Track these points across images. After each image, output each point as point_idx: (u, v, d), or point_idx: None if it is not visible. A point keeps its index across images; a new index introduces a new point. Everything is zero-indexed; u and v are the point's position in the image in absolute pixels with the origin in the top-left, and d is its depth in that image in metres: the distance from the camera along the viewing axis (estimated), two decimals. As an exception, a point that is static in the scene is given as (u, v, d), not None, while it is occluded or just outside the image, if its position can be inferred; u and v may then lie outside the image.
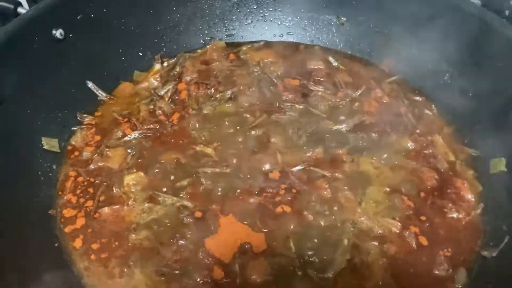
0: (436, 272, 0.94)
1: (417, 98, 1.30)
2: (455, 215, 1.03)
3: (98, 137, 1.17)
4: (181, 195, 1.04)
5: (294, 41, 1.48)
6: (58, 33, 1.15)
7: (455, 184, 1.09)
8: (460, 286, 0.93)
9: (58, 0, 1.16)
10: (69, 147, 1.15)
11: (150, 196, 1.04)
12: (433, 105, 1.28)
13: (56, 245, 0.96)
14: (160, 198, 1.03)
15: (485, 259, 0.96)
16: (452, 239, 1.00)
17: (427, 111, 1.26)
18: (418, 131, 1.21)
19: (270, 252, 0.95)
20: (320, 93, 1.28)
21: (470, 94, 1.20)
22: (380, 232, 1.00)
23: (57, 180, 1.08)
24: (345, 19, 1.43)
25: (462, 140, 1.19)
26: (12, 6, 1.16)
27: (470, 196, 1.07)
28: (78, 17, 1.20)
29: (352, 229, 1.00)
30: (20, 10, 1.17)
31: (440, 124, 1.23)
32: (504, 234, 0.97)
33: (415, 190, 1.07)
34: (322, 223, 1.00)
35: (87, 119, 1.21)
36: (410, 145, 1.17)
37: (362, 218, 1.01)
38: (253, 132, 1.18)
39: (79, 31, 1.19)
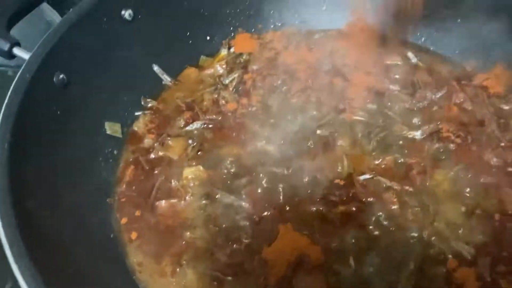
0: (512, 311, 0.86)
1: (505, 106, 1.17)
2: (538, 246, 0.93)
3: (160, 124, 1.15)
4: (239, 194, 1.00)
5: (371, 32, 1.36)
6: (127, 13, 1.12)
7: (541, 210, 0.98)
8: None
9: (130, -20, 1.13)
10: (131, 133, 1.13)
11: (207, 192, 1.01)
12: (522, 115, 1.15)
13: (111, 236, 0.96)
14: (217, 196, 1.00)
15: None
16: (532, 274, 0.90)
17: (514, 123, 1.14)
18: (502, 144, 1.09)
19: (328, 267, 0.90)
20: (395, 93, 1.18)
21: None
22: (450, 256, 0.91)
23: (117, 167, 1.07)
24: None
25: (554, 159, 1.06)
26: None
27: (557, 225, 0.96)
28: (148, -2, 1.17)
29: (420, 250, 0.92)
30: (92, -11, 1.15)
31: (530, 138, 1.11)
32: None
33: (494, 213, 0.97)
34: (387, 240, 0.93)
35: (151, 103, 1.19)
36: (492, 160, 1.05)
37: (432, 239, 0.93)
38: (318, 132, 1.11)
39: (148, 13, 1.16)
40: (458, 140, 1.09)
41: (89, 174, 1.01)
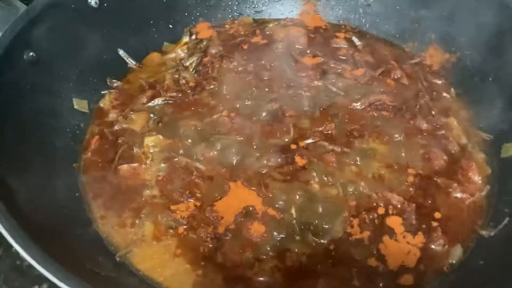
0: (432, 246, 0.97)
1: (437, 81, 1.30)
2: (459, 195, 1.05)
3: (124, 101, 1.25)
4: (195, 158, 1.11)
5: (321, 19, 1.49)
6: (93, 1, 1.22)
7: (463, 166, 1.10)
8: (454, 261, 0.95)
9: (95, -31, 1.24)
10: (97, 109, 1.23)
11: (166, 157, 1.11)
12: (452, 88, 1.27)
13: (77, 194, 1.05)
14: (175, 159, 1.10)
15: (482, 238, 0.98)
16: (453, 217, 1.02)
17: (445, 94, 1.26)
18: (433, 112, 1.21)
19: (272, 216, 1.00)
20: (339, 71, 1.31)
21: (490, 79, 1.19)
22: (381, 205, 1.03)
23: (83, 137, 1.17)
24: (372, 0, 1.44)
25: (477, 124, 1.19)
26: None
27: (477, 178, 1.08)
28: (114, -14, 1.28)
29: (354, 201, 1.03)
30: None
31: (457, 107, 1.23)
32: (505, 216, 0.98)
33: (422, 169, 1.09)
34: (325, 193, 1.04)
35: (116, 83, 1.29)
36: (423, 125, 1.17)
37: (365, 191, 1.05)
38: (269, 105, 1.22)
39: (113, 1, 1.27)
40: (394, 109, 1.21)
41: (57, 143, 1.10)
